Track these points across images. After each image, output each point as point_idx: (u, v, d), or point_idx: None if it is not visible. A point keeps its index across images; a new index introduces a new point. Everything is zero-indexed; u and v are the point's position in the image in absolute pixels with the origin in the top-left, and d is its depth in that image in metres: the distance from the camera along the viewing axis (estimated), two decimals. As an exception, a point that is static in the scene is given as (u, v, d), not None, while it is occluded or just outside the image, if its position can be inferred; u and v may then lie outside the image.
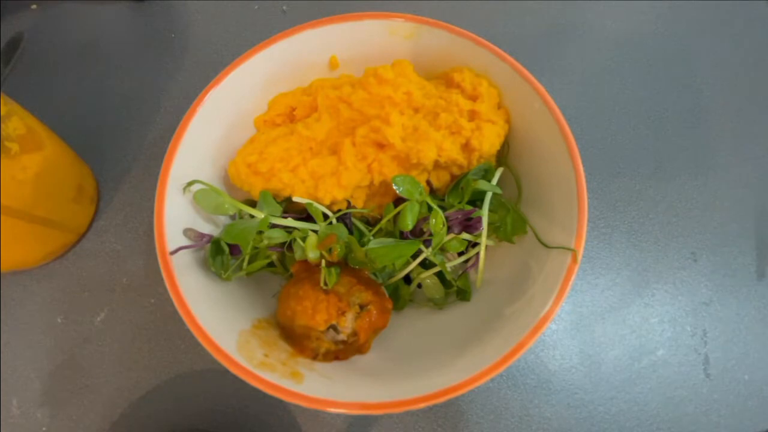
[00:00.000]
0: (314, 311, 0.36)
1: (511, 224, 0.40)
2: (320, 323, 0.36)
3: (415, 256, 0.39)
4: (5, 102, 0.36)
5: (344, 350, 0.38)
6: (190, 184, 0.37)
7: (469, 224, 0.40)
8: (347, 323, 0.37)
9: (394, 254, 0.37)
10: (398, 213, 0.39)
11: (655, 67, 0.57)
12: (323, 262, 0.37)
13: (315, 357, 0.38)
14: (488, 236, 0.40)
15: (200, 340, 0.33)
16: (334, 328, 0.37)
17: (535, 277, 0.37)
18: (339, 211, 0.40)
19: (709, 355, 0.46)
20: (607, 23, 0.59)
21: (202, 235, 0.38)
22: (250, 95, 0.42)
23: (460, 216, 0.39)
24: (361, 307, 0.38)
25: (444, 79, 0.43)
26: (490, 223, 0.40)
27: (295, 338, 0.38)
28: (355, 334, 0.37)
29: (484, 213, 0.39)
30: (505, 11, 0.59)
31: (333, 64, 0.44)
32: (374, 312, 0.38)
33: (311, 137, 0.40)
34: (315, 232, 0.38)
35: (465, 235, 0.40)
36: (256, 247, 0.38)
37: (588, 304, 0.47)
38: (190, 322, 0.33)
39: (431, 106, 0.40)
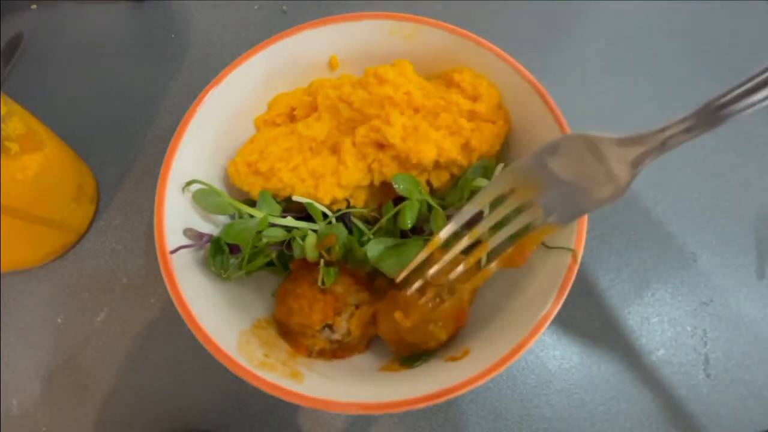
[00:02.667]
0: (311, 310, 0.36)
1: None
2: (316, 322, 0.36)
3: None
4: (5, 102, 0.36)
5: (340, 349, 0.39)
6: (189, 183, 0.37)
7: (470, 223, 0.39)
8: (342, 323, 0.37)
9: (401, 257, 0.37)
10: (398, 212, 0.39)
11: (656, 67, 0.57)
12: (322, 262, 0.37)
13: (310, 354, 0.38)
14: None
15: (200, 340, 0.33)
16: (329, 327, 0.37)
17: (535, 277, 0.37)
18: (338, 210, 0.40)
19: (709, 355, 0.46)
20: (608, 23, 0.59)
21: (201, 235, 0.38)
22: (250, 95, 0.42)
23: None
24: (357, 307, 0.38)
25: (444, 79, 0.43)
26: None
27: (291, 335, 0.38)
28: (349, 333, 0.37)
29: (485, 211, 0.39)
30: (505, 11, 0.59)
31: (333, 64, 0.44)
32: (368, 313, 0.38)
33: (311, 137, 0.40)
34: (314, 231, 0.38)
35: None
36: (255, 246, 0.38)
37: (588, 304, 0.47)
38: (190, 322, 0.33)
39: (431, 106, 0.40)
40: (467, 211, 0.35)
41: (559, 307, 0.34)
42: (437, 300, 0.36)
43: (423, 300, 0.36)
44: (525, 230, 0.34)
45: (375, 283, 0.40)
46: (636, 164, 0.30)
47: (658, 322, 0.47)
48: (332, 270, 0.37)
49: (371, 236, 0.39)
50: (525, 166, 0.33)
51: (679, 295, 0.48)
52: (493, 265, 0.35)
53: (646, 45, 0.58)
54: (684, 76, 0.56)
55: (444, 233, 0.35)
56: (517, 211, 0.34)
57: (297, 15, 0.58)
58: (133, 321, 0.45)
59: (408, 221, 0.38)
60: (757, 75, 0.25)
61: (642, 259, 0.49)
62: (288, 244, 0.39)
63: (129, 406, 0.43)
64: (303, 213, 0.40)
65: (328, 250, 0.38)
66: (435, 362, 0.37)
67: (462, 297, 0.37)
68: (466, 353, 0.36)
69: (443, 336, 0.37)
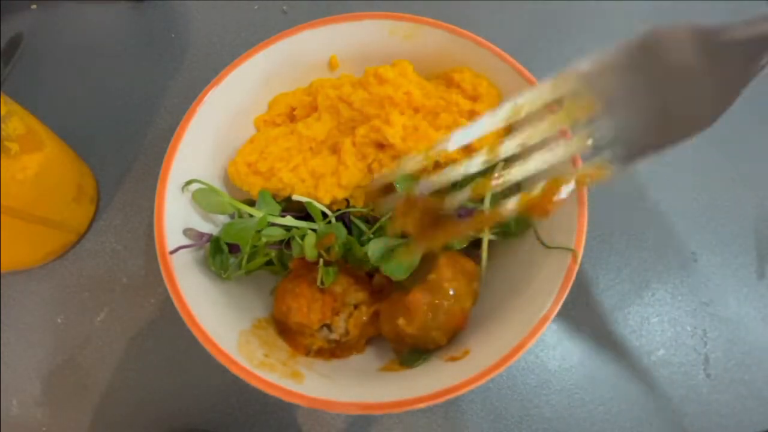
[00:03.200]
0: (309, 310, 0.36)
1: (515, 223, 0.40)
2: (314, 322, 0.36)
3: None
4: (5, 102, 0.36)
5: (338, 348, 0.39)
6: (188, 183, 0.37)
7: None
8: (340, 323, 0.37)
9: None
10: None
11: (655, 67, 0.57)
12: (321, 261, 0.37)
13: (308, 353, 0.38)
14: (491, 232, 0.39)
15: (200, 340, 0.33)
16: (327, 327, 0.37)
17: (535, 277, 0.37)
18: (338, 210, 0.40)
19: (709, 355, 0.46)
20: (608, 23, 0.59)
21: (201, 235, 0.38)
22: (250, 95, 0.42)
23: (462, 213, 0.39)
24: (355, 307, 0.38)
25: (444, 79, 0.43)
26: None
27: (289, 334, 0.38)
28: (347, 333, 0.37)
29: (486, 208, 0.39)
30: (505, 11, 0.59)
31: (333, 64, 0.44)
32: (366, 313, 0.38)
33: (311, 137, 0.40)
34: (314, 230, 0.38)
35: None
36: (254, 245, 0.39)
37: (588, 304, 0.47)
38: (190, 322, 0.33)
39: (431, 106, 0.40)
40: (488, 122, 0.23)
41: (559, 307, 0.34)
42: (439, 306, 0.36)
43: (425, 309, 0.35)
44: (563, 167, 0.23)
45: (373, 281, 0.40)
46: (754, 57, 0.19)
47: (658, 322, 0.47)
48: (331, 270, 0.37)
49: (371, 236, 0.39)
50: (593, 68, 0.22)
51: (679, 295, 0.48)
52: (511, 203, 0.25)
53: (646, 45, 0.58)
54: (684, 76, 0.56)
55: (453, 143, 0.23)
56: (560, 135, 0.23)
57: (297, 15, 0.58)
58: (133, 321, 0.45)
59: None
60: None
61: (642, 259, 0.49)
62: (287, 243, 0.39)
63: (129, 406, 0.43)
64: (303, 212, 0.40)
65: (328, 250, 0.38)
66: (435, 362, 0.37)
67: (464, 302, 0.37)
68: (466, 353, 0.36)
69: (444, 341, 0.37)
